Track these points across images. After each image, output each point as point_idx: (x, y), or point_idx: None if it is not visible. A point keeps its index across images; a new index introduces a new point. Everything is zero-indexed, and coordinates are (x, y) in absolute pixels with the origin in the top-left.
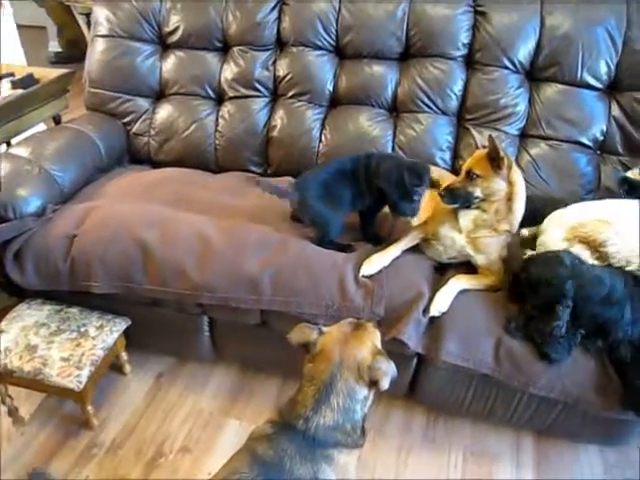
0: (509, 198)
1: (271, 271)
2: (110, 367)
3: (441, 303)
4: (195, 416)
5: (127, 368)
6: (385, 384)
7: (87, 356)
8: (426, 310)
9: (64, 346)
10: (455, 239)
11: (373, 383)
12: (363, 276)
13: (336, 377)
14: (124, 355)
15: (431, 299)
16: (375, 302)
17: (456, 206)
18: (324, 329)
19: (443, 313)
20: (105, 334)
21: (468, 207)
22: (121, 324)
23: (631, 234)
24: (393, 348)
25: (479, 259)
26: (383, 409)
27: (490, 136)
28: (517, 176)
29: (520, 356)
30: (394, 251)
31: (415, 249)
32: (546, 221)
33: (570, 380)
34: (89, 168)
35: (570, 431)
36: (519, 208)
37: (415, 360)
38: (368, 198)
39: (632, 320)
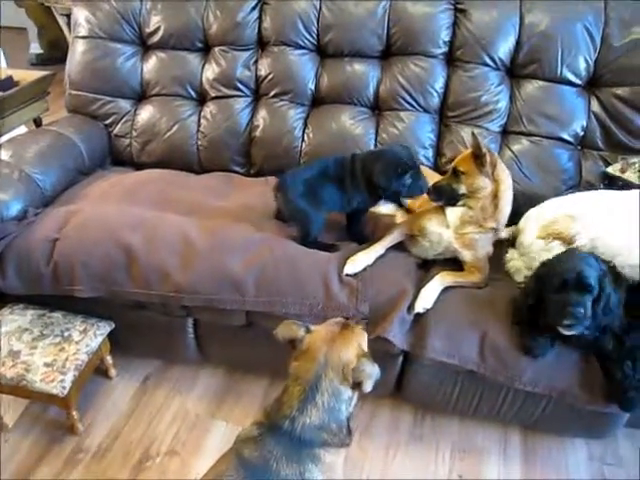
0: (495, 196)
1: (255, 271)
2: (95, 371)
3: (426, 300)
4: (182, 418)
5: (112, 372)
6: (368, 387)
7: (71, 361)
8: (411, 307)
9: (47, 351)
10: (442, 235)
11: (357, 384)
12: (347, 275)
13: (321, 377)
14: (109, 359)
15: (415, 296)
16: (359, 301)
17: (441, 203)
18: (311, 327)
19: (428, 310)
20: (89, 338)
21: (453, 204)
22: (105, 328)
23: (599, 227)
24: (379, 346)
25: (465, 255)
26: (370, 408)
27: (473, 133)
28: (503, 174)
29: (505, 351)
30: (378, 249)
31: (399, 247)
32: (523, 220)
33: (555, 374)
34: (71, 171)
35: (556, 425)
36: (505, 206)
37: (401, 358)
38: (356, 199)
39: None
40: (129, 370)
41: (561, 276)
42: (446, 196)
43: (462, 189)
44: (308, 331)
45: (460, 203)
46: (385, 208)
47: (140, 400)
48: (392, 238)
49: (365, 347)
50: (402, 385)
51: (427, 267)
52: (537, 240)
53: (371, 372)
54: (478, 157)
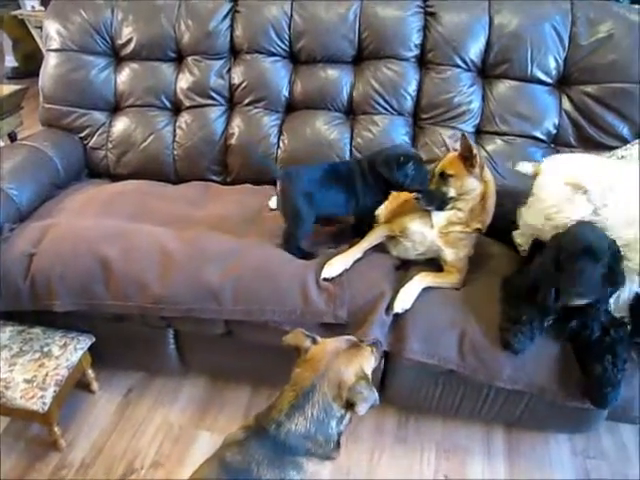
0: (483, 197)
1: (233, 280)
2: (77, 385)
3: (405, 300)
4: (165, 430)
5: (94, 385)
6: (362, 410)
7: (51, 376)
8: (389, 308)
9: (27, 367)
10: (426, 234)
11: (350, 405)
12: (324, 279)
13: (316, 388)
14: (90, 372)
15: (394, 298)
16: (338, 306)
17: (432, 208)
18: (319, 339)
19: (406, 310)
20: (69, 352)
21: (443, 208)
22: (85, 341)
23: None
24: None
25: (448, 254)
26: None
27: (463, 134)
28: (490, 175)
29: (484, 350)
30: (356, 252)
31: (376, 249)
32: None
33: (534, 371)
34: (46, 185)
35: (538, 421)
36: (491, 206)
37: (382, 361)
38: (367, 198)
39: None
40: (111, 383)
41: (577, 245)
42: (437, 201)
43: (451, 192)
44: (315, 342)
45: (449, 207)
46: None
47: (123, 413)
48: (371, 240)
49: (368, 370)
50: (384, 388)
51: (405, 269)
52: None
53: (367, 396)
54: (467, 159)
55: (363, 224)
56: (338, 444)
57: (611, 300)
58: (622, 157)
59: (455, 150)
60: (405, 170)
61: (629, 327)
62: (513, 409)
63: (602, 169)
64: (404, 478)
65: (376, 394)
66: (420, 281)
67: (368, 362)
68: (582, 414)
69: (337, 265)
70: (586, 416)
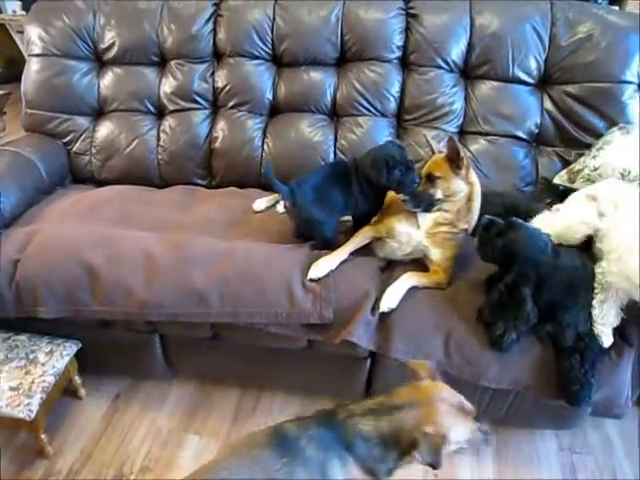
0: (469, 198)
1: (218, 283)
2: (64, 392)
3: (391, 299)
4: (154, 435)
5: (82, 392)
6: (418, 458)
7: (37, 383)
8: (375, 309)
9: (13, 375)
10: (412, 235)
11: (413, 446)
12: (311, 279)
13: (400, 410)
14: (77, 379)
15: (379, 298)
16: (323, 306)
17: (419, 210)
18: (437, 378)
19: (392, 310)
20: (55, 359)
21: (430, 210)
22: (72, 348)
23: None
24: (346, 350)
25: (435, 254)
26: None
27: (450, 137)
28: (475, 177)
29: (469, 349)
30: (342, 254)
31: (361, 250)
32: None
33: (518, 370)
34: (30, 191)
35: (524, 419)
36: (477, 208)
37: (369, 361)
38: (361, 201)
39: (581, 306)
40: (99, 389)
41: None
42: (424, 203)
43: (438, 194)
44: (433, 378)
45: (435, 208)
46: None
47: (111, 419)
48: (357, 242)
49: (455, 437)
50: (372, 388)
51: (390, 269)
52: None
53: (429, 454)
54: (454, 161)
55: (361, 226)
56: (386, 473)
57: (596, 311)
58: (600, 148)
59: (440, 152)
60: (394, 173)
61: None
62: (499, 408)
63: (616, 187)
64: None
65: (439, 462)
66: (406, 280)
67: (461, 432)
68: (567, 411)
69: (323, 266)
70: (571, 412)
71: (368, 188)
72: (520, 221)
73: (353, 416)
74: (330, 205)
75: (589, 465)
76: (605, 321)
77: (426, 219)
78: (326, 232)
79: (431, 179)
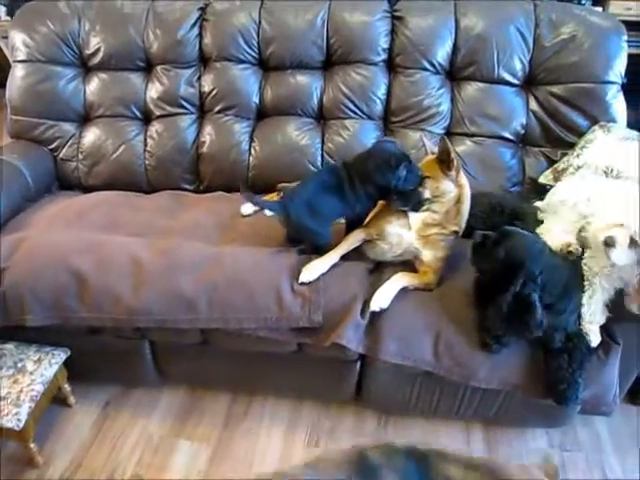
0: (458, 200)
1: (207, 289)
2: (53, 400)
3: (382, 299)
4: (145, 441)
5: (71, 399)
6: None
7: (26, 392)
8: (364, 311)
9: (0, 384)
10: (403, 236)
11: None
12: (302, 283)
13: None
14: (67, 387)
15: (367, 301)
16: (313, 310)
17: (407, 208)
18: None
19: (383, 310)
20: (44, 368)
21: (418, 210)
22: (60, 355)
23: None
24: (335, 353)
25: (425, 255)
26: (334, 415)
27: (442, 138)
28: (464, 179)
29: (459, 350)
30: (333, 257)
31: (350, 253)
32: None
33: (507, 370)
34: (16, 198)
35: (515, 418)
36: (466, 210)
37: (359, 364)
38: (356, 205)
39: (572, 309)
40: (88, 397)
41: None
42: (412, 202)
43: (427, 194)
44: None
45: (424, 208)
46: None
47: (101, 426)
48: (348, 245)
49: None
50: (362, 391)
51: (379, 271)
52: None
53: None
54: (444, 162)
55: (354, 229)
56: None
57: (584, 309)
58: (583, 147)
59: (433, 153)
60: (398, 172)
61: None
62: (490, 407)
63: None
64: None
65: None
66: (397, 281)
67: None
68: (556, 409)
69: (315, 269)
70: (560, 411)
71: (363, 192)
72: (511, 228)
73: (447, 461)
74: (324, 215)
75: (579, 462)
76: (593, 319)
77: (414, 220)
78: (321, 240)
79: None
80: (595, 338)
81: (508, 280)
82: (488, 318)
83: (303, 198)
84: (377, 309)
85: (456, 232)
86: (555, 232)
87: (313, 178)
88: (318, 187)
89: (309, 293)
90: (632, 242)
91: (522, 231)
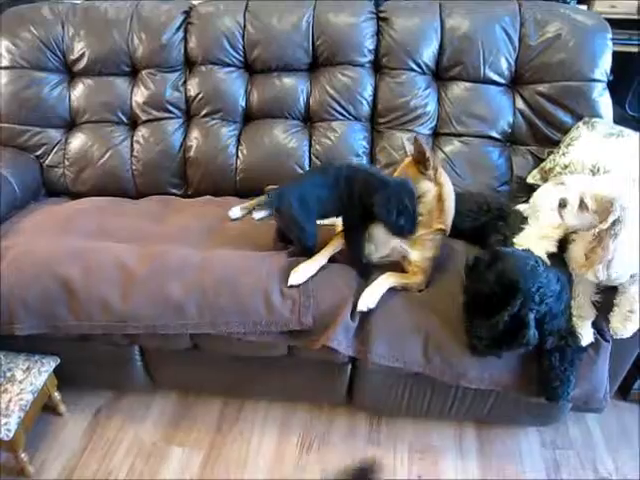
0: (439, 199)
1: (196, 294)
2: (44, 409)
3: (369, 299)
4: (137, 448)
5: (62, 408)
6: None
7: (15, 402)
8: (354, 312)
9: None
10: (389, 237)
11: None
12: (291, 286)
13: None
14: (57, 395)
15: (356, 304)
16: (302, 313)
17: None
18: None
19: (371, 312)
20: (33, 376)
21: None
22: (50, 364)
23: None
24: (326, 356)
25: (414, 255)
26: (326, 417)
27: (415, 138)
28: (444, 177)
29: (449, 351)
30: (321, 259)
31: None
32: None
33: (498, 370)
34: (2, 207)
35: (507, 417)
36: (450, 207)
37: (349, 367)
38: (349, 209)
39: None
40: (79, 404)
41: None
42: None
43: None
44: None
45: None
46: None
47: (93, 434)
48: (335, 246)
49: None
50: (354, 393)
51: (367, 274)
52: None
53: None
54: (420, 162)
55: (353, 244)
56: None
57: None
58: (568, 145)
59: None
60: (399, 219)
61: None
62: (482, 407)
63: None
64: None
65: None
66: (385, 280)
67: None
68: (548, 407)
69: (303, 272)
70: (552, 409)
71: (360, 210)
72: (503, 249)
73: None
74: (311, 208)
75: (571, 459)
76: (580, 313)
77: None
78: (308, 241)
79: None
80: (587, 336)
81: (504, 300)
82: (480, 328)
83: (297, 189)
84: (364, 309)
85: (442, 230)
86: (533, 239)
87: (310, 172)
88: (314, 181)
89: (298, 296)
90: (581, 204)
91: (513, 250)
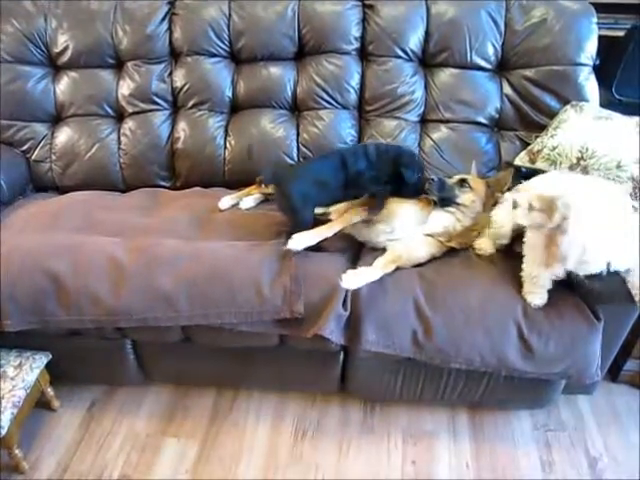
0: (475, 225)
1: (186, 285)
2: (37, 404)
3: (354, 278)
4: (132, 441)
5: (55, 403)
6: None
7: (7, 399)
8: (346, 301)
9: None
10: (411, 227)
11: None
12: (289, 250)
13: None
14: (50, 390)
15: (349, 292)
16: (294, 300)
17: (436, 196)
18: None
19: (360, 296)
20: (25, 372)
21: (443, 205)
22: (42, 359)
23: None
24: (318, 345)
25: (419, 250)
26: (320, 406)
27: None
28: (496, 217)
29: (438, 335)
30: (326, 231)
31: (331, 242)
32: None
33: (488, 350)
34: None
35: (499, 400)
36: (472, 239)
37: (342, 355)
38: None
39: None
40: (73, 399)
41: None
42: (444, 194)
43: (460, 199)
44: None
45: (450, 210)
46: None
47: (87, 428)
48: (344, 223)
49: None
50: (346, 381)
51: (359, 261)
52: None
53: None
54: (490, 187)
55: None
56: None
57: None
58: (556, 127)
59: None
60: (418, 179)
61: None
62: (474, 390)
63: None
64: (373, 467)
65: None
66: (375, 270)
67: None
68: (539, 389)
69: (303, 239)
70: (543, 390)
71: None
72: None
73: None
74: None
75: (563, 441)
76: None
77: (437, 222)
78: (301, 221)
79: (462, 184)
80: (540, 300)
81: None
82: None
83: (302, 173)
84: (345, 287)
85: (453, 247)
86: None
87: (320, 157)
88: (322, 166)
89: (289, 283)
90: (530, 206)
91: None
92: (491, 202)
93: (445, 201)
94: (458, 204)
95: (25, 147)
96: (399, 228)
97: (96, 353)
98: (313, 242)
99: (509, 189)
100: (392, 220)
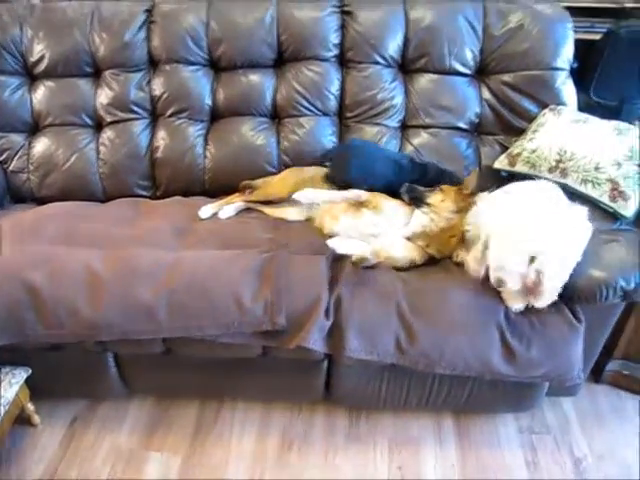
0: (451, 231)
1: (166, 297)
2: (17, 421)
3: (343, 244)
4: (115, 456)
5: (36, 419)
6: None
7: None
8: (328, 310)
9: None
10: (397, 223)
11: None
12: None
13: None
14: (30, 406)
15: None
16: (275, 313)
17: (406, 196)
18: None
19: (342, 303)
20: (4, 388)
21: (414, 204)
22: (21, 375)
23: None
24: (301, 355)
25: (397, 250)
26: (305, 415)
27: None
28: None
29: (421, 340)
30: (333, 195)
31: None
32: None
33: (471, 354)
34: None
35: (484, 405)
36: (453, 247)
37: (325, 363)
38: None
39: None
40: (54, 415)
41: None
42: (414, 195)
43: (430, 199)
44: None
45: (424, 210)
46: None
47: (69, 443)
48: (352, 194)
49: None
50: (331, 389)
51: (339, 269)
52: None
53: None
54: (460, 193)
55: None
56: None
57: None
58: (535, 131)
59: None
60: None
61: None
62: (459, 395)
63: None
64: (360, 475)
65: None
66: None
67: None
68: (524, 392)
69: (310, 194)
70: (528, 394)
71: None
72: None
73: None
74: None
75: (548, 444)
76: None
77: (417, 221)
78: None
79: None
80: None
81: None
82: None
83: (366, 155)
84: (331, 246)
85: (433, 257)
86: (471, 261)
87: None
88: (385, 157)
89: (271, 295)
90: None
91: None
92: (463, 205)
93: (416, 200)
94: (429, 204)
95: (2, 158)
96: (384, 221)
97: (77, 367)
98: (318, 200)
99: (482, 190)
100: (380, 211)
